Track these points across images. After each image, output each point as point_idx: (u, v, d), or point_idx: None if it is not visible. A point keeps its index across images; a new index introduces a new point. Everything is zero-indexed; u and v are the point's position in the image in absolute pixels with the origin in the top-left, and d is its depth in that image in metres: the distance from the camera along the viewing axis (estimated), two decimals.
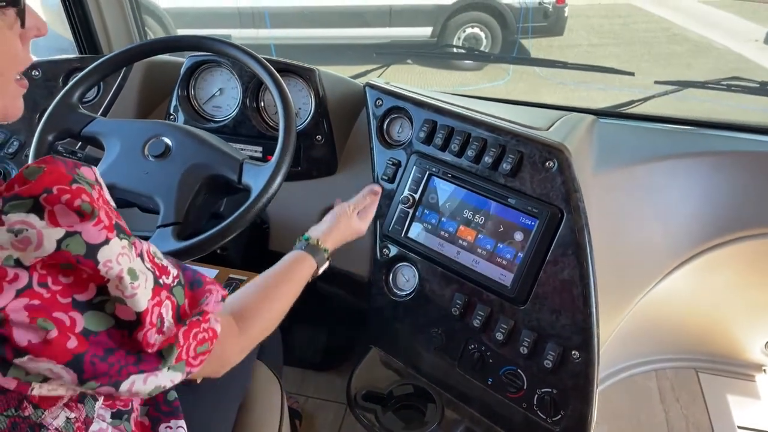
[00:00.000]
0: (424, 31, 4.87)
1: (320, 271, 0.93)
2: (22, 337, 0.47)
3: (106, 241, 0.49)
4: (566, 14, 4.99)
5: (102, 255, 0.49)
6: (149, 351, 0.54)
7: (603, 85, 4.30)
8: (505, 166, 1.03)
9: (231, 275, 1.06)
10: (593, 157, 1.19)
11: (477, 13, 4.82)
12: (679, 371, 1.62)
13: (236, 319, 0.72)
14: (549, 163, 1.00)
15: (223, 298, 0.65)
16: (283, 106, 1.00)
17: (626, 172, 1.25)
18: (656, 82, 1.51)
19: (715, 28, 5.66)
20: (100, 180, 0.53)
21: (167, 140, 1.00)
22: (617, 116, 1.48)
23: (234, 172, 0.97)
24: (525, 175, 1.03)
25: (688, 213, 1.30)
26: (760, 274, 1.40)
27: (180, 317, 0.58)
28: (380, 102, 1.20)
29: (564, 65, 1.68)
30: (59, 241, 0.46)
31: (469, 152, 1.07)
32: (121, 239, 0.51)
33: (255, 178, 0.95)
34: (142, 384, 0.55)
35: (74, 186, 0.48)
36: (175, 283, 0.59)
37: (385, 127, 1.21)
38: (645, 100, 1.51)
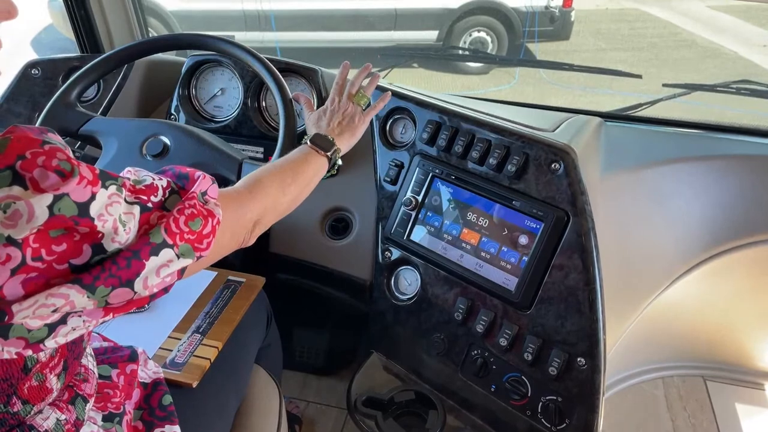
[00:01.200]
0: (430, 35, 4.86)
1: (334, 159, 0.92)
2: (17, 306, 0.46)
3: (93, 197, 0.48)
4: (573, 19, 4.98)
5: (94, 210, 0.48)
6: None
7: (610, 90, 4.29)
8: (510, 168, 1.01)
9: (230, 277, 1.04)
10: (600, 160, 1.17)
11: (483, 17, 4.80)
12: (686, 379, 1.59)
13: (247, 188, 0.73)
14: (555, 165, 0.98)
15: (213, 181, 0.64)
16: (284, 106, 0.99)
17: (634, 175, 1.23)
18: (664, 85, 1.49)
19: (723, 33, 5.63)
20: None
21: (165, 139, 0.98)
22: (624, 119, 1.46)
23: (233, 173, 0.96)
24: (530, 177, 1.00)
25: (697, 217, 1.27)
26: None
27: None
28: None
29: (570, 67, 1.66)
30: (50, 207, 0.45)
31: (474, 154, 1.05)
32: (107, 187, 0.50)
33: None
34: (155, 276, 0.53)
35: (46, 147, 0.47)
36: (167, 196, 0.58)
37: (388, 128, 1.19)
38: (653, 102, 1.49)
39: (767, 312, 1.44)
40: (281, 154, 0.94)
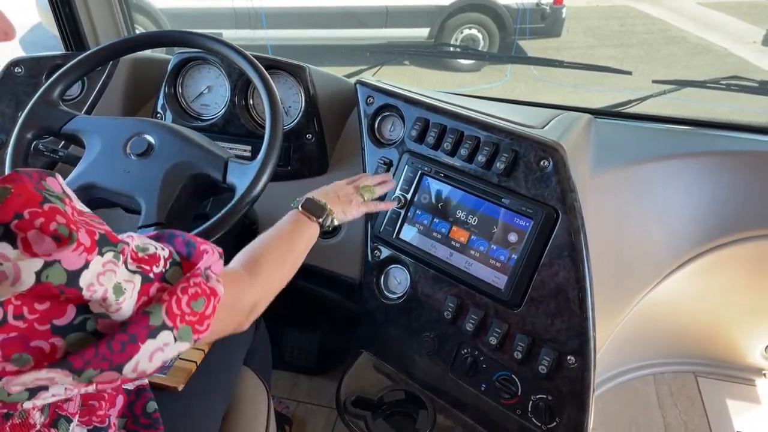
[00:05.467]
0: (421, 32, 4.83)
1: (327, 225, 0.90)
2: None
3: (86, 265, 0.45)
4: (564, 15, 4.97)
5: (84, 280, 0.45)
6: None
7: (601, 87, 4.29)
8: (499, 165, 1.00)
9: None
10: (590, 157, 1.16)
11: (474, 14, 4.78)
12: (677, 376, 1.59)
13: (247, 270, 0.70)
14: (544, 162, 0.97)
15: (220, 255, 0.61)
16: (270, 104, 0.97)
17: (624, 172, 1.22)
18: (654, 81, 1.49)
19: (713, 29, 5.65)
20: (68, 190, 0.49)
21: (150, 138, 0.97)
22: (614, 116, 1.45)
23: (218, 171, 0.94)
24: (519, 174, 1.00)
25: (687, 214, 1.27)
26: (761, 276, 1.37)
27: None
28: (371, 100, 1.17)
29: (561, 64, 1.66)
30: (38, 273, 0.42)
31: (462, 151, 1.04)
32: (104, 255, 0.47)
33: (240, 178, 0.92)
34: (148, 361, 0.50)
35: (46, 206, 0.44)
36: (168, 267, 0.55)
37: (376, 125, 1.18)
38: (643, 99, 1.48)
39: (757, 308, 1.44)
40: (267, 152, 0.92)
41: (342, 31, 4.92)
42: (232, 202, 0.89)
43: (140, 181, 0.93)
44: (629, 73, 1.64)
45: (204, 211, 1.13)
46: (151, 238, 0.58)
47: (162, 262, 0.54)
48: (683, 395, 1.54)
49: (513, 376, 0.98)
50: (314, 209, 0.88)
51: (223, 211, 0.88)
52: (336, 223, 0.92)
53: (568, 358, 0.93)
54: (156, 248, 0.55)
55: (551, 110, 1.25)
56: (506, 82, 4.76)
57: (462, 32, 4.78)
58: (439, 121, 1.08)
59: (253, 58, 1.01)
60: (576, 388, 0.93)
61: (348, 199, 0.96)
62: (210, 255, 0.59)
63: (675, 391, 1.55)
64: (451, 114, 1.07)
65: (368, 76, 1.26)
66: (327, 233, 1.23)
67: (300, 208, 0.88)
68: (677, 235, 1.28)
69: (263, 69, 1.00)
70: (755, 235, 1.29)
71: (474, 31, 4.78)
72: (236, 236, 1.27)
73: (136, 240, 0.54)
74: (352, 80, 1.28)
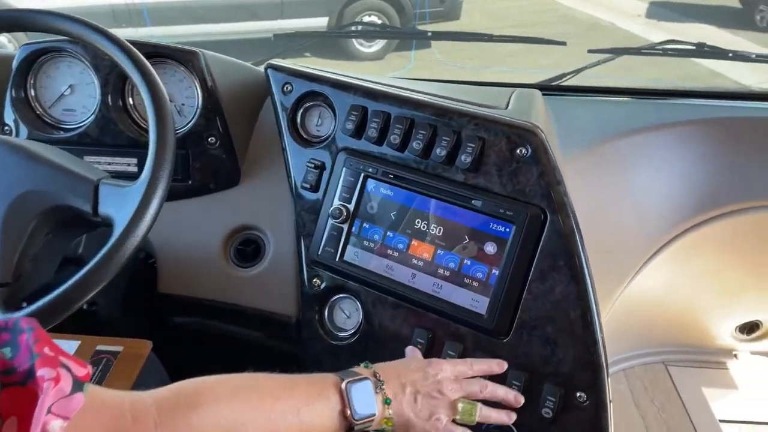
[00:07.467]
0: (320, 22, 4.66)
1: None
2: None
3: None
4: None
5: None
6: None
7: (505, 68, 4.27)
8: (464, 158, 0.79)
9: (100, 346, 0.75)
10: (556, 141, 0.98)
11: (373, 0, 4.67)
12: (648, 368, 1.47)
13: (162, 410, 0.44)
14: (520, 151, 0.78)
15: (79, 381, 0.38)
16: (154, 102, 0.71)
17: (590, 154, 1.06)
18: (590, 51, 1.36)
19: (598, 6, 5.84)
20: None
21: None
22: (562, 90, 1.30)
23: (86, 200, 0.67)
24: (490, 168, 0.79)
25: (661, 194, 1.13)
26: (732, 254, 1.26)
27: None
28: (289, 87, 0.92)
29: (491, 38, 1.50)
30: None
31: (415, 144, 0.82)
32: None
33: (118, 206, 0.65)
34: None
35: None
36: None
37: (298, 119, 0.93)
38: (578, 71, 1.34)
39: (728, 288, 1.33)
40: (155, 167, 0.66)
41: (234, 25, 4.63)
42: (110, 243, 0.62)
43: None
44: (563, 43, 1.50)
45: (74, 254, 0.84)
46: None
47: None
48: (657, 389, 1.42)
49: (510, 424, 0.78)
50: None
51: (99, 256, 0.62)
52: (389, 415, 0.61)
53: (578, 395, 0.74)
54: None
55: (499, 88, 1.07)
56: (410, 69, 4.67)
57: (362, 19, 4.66)
58: (380, 108, 0.85)
59: (127, 43, 0.75)
60: (590, 431, 0.74)
61: (433, 406, 0.63)
62: (54, 387, 0.35)
63: (648, 385, 1.43)
64: (396, 99, 0.84)
65: (281, 60, 1.01)
66: (246, 259, 0.98)
67: (343, 382, 0.59)
68: (651, 220, 1.14)
69: (141, 57, 0.74)
70: (727, 211, 1.17)
71: (374, 18, 4.69)
72: (127, 276, 0.99)
73: None
74: (261, 66, 1.03)
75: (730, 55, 1.32)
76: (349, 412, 0.57)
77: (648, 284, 1.23)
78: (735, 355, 1.47)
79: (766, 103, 1.18)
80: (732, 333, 1.44)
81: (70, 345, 0.73)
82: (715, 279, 1.30)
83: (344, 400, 0.58)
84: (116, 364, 0.72)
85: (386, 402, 0.61)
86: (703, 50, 1.38)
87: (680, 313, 1.39)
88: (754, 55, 1.36)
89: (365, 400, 0.59)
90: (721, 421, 1.36)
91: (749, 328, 1.44)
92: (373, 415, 0.59)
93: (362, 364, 0.65)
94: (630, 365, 1.47)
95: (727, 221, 1.17)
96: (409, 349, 0.77)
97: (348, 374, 0.61)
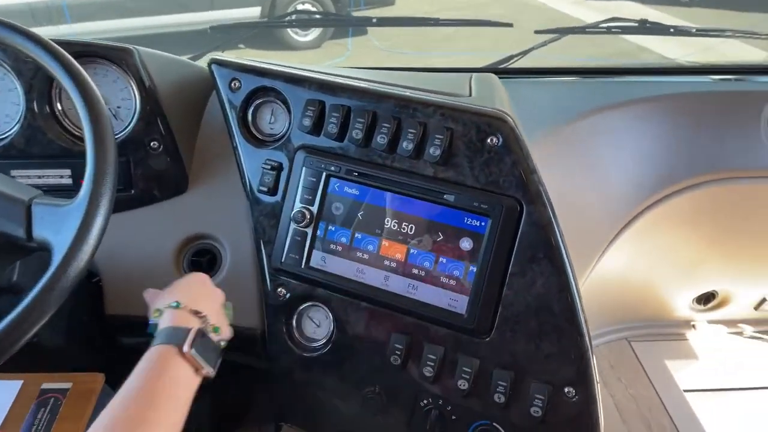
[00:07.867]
0: (253, 12, 4.52)
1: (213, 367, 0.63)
2: None
3: None
4: None
5: None
6: None
7: (443, 52, 4.26)
8: (433, 151, 0.75)
9: (45, 384, 0.66)
10: (520, 125, 0.95)
11: None
12: (612, 345, 1.48)
13: None
14: (491, 140, 0.74)
15: None
16: (87, 107, 0.63)
17: (550, 136, 1.04)
18: (536, 32, 1.35)
19: None
20: None
21: None
22: (515, 73, 1.28)
23: (18, 224, 0.59)
24: (461, 160, 0.75)
25: (621, 175, 1.12)
26: (690, 228, 1.27)
27: None
28: (237, 84, 0.85)
29: (436, 22, 1.47)
30: None
31: (379, 138, 0.77)
32: None
33: (56, 229, 0.58)
34: None
35: None
36: None
37: (249, 118, 0.86)
38: (525, 52, 1.32)
39: (685, 262, 1.35)
40: (96, 182, 0.59)
41: (162, 18, 4.42)
42: (49, 272, 0.55)
43: None
44: (510, 25, 1.48)
45: (8, 281, 0.74)
46: None
47: None
48: (623, 366, 1.43)
49: (496, 424, 0.75)
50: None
51: (34, 292, 0.54)
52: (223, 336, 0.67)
53: (566, 390, 0.72)
54: None
55: (456, 74, 1.03)
56: (349, 56, 4.60)
57: (296, 7, 4.54)
58: (339, 102, 0.79)
59: (52, 43, 0.66)
60: (581, 426, 0.72)
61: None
62: None
63: (615, 363, 1.44)
64: (356, 91, 0.79)
65: (224, 54, 0.94)
66: (201, 271, 0.91)
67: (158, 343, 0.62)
68: (613, 203, 1.14)
69: (69, 57, 0.66)
70: (685, 186, 1.18)
71: (308, 6, 4.58)
72: (71, 301, 0.90)
73: None
74: (201, 62, 0.95)
75: (671, 30, 1.33)
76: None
77: (610, 264, 1.23)
78: (693, 326, 1.50)
79: (716, 76, 1.19)
80: (690, 304, 1.47)
81: (11, 386, 0.65)
82: (673, 253, 1.32)
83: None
84: (65, 403, 0.64)
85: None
86: (646, 26, 1.39)
87: (641, 289, 1.40)
88: (694, 30, 1.38)
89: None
90: (685, 390, 1.38)
91: (705, 299, 1.48)
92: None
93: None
94: (595, 344, 1.47)
95: (684, 196, 1.18)
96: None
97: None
